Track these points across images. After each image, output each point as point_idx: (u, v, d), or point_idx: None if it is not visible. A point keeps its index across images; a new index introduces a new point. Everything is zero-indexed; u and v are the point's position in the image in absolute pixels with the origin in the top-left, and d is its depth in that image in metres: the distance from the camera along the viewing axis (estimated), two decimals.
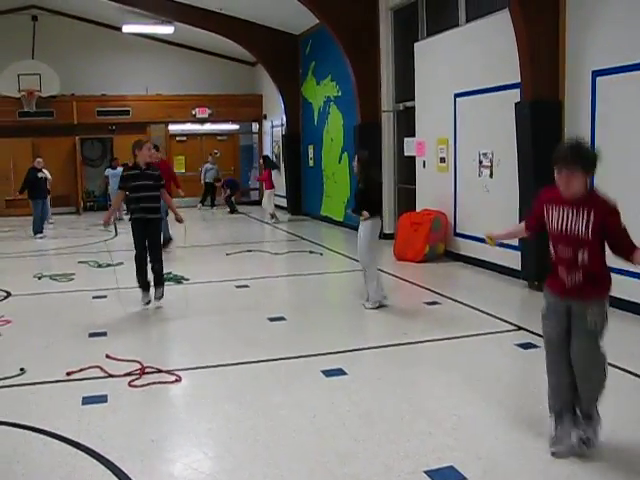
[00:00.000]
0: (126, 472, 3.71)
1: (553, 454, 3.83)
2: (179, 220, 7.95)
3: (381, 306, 7.50)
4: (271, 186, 16.81)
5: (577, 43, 7.81)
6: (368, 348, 6.12)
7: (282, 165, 19.03)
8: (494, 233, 4.47)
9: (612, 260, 3.81)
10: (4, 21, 19.21)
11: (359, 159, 7.79)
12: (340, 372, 5.39)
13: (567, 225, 3.71)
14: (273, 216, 16.81)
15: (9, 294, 8.52)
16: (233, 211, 19.53)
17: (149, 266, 7.73)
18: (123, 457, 3.90)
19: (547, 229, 3.88)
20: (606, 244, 3.73)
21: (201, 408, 4.78)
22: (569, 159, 3.64)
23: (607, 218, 3.65)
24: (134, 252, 7.69)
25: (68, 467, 3.82)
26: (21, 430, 4.34)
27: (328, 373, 5.36)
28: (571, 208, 3.70)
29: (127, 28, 18.15)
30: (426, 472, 3.69)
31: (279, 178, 19.14)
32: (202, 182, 20.30)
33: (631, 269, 6.72)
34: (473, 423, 4.37)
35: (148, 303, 7.71)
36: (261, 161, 17.75)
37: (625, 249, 3.69)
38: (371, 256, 7.61)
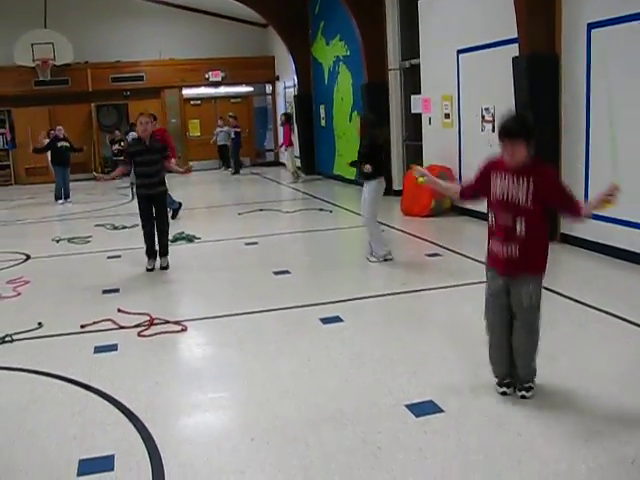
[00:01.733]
0: (131, 409, 4.09)
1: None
2: (187, 171, 8.17)
3: (386, 260, 7.76)
4: (290, 143, 17.00)
5: None
6: (366, 297, 6.40)
7: (295, 125, 19.19)
8: (427, 174, 4.38)
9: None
10: None
11: (363, 123, 7.94)
12: (337, 319, 5.70)
13: (508, 192, 3.84)
14: (294, 174, 16.97)
15: (28, 257, 8.92)
16: (237, 171, 19.78)
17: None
18: (129, 397, 4.27)
19: (489, 196, 3.99)
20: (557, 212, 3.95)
21: (204, 354, 5.16)
22: (513, 131, 3.80)
23: (549, 188, 3.80)
24: (141, 223, 7.96)
25: (80, 406, 4.20)
26: (38, 376, 4.73)
27: (326, 321, 5.68)
28: (513, 176, 3.83)
29: None
30: (406, 406, 4.00)
31: (293, 139, 19.36)
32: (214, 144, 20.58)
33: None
34: (458, 363, 4.66)
35: (152, 270, 7.88)
36: (283, 118, 17.74)
37: (573, 208, 3.84)
38: (372, 215, 7.83)
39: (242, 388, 4.43)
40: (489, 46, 9.57)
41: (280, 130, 18.91)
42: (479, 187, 4.11)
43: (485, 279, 4.15)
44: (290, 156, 17.18)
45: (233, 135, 19.95)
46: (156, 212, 7.85)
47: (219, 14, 21.08)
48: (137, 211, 8.00)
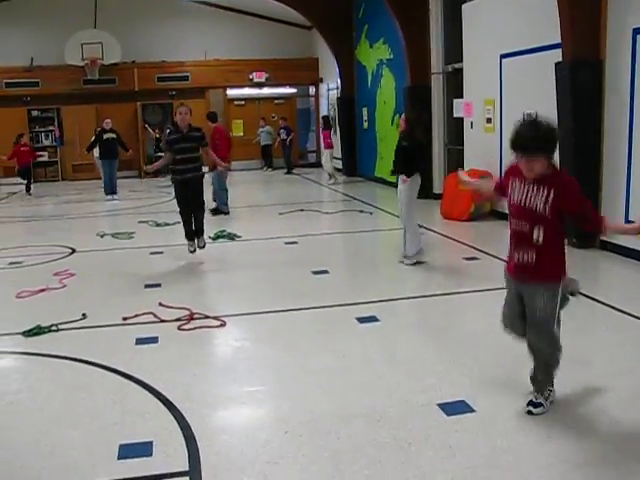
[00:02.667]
0: (170, 399, 4.22)
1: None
2: (225, 167, 8.63)
3: (418, 263, 7.78)
4: (330, 145, 17.16)
5: (618, 0, 7.85)
6: (403, 298, 6.47)
7: (337, 127, 19.32)
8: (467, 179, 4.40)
9: None
10: None
11: (407, 119, 8.01)
12: (373, 319, 5.77)
13: (526, 200, 3.74)
14: (332, 176, 17.10)
15: (74, 250, 9.18)
16: (289, 171, 19.99)
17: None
18: (168, 387, 4.41)
19: (508, 202, 3.92)
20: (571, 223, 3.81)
21: (241, 348, 5.28)
22: (529, 148, 3.62)
23: (569, 199, 3.68)
24: (178, 209, 8.27)
25: (121, 394, 4.36)
26: (83, 364, 4.91)
27: (362, 320, 5.75)
28: (532, 185, 3.72)
29: None
30: (439, 405, 4.06)
31: (335, 140, 19.56)
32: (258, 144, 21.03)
33: None
34: (491, 365, 4.70)
35: (194, 251, 8.26)
36: (322, 123, 18.00)
37: (592, 222, 3.78)
38: (410, 214, 7.90)
39: (277, 383, 4.53)
40: (532, 51, 9.54)
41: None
42: (501, 189, 4.08)
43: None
44: (329, 158, 17.30)
45: (284, 136, 20.22)
46: (193, 196, 8.13)
47: (264, 15, 21.27)
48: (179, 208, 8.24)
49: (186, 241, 8.34)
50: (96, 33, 19.33)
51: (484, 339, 5.25)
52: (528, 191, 3.76)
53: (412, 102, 13.29)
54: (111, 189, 15.32)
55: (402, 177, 7.78)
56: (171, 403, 4.17)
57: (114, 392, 4.40)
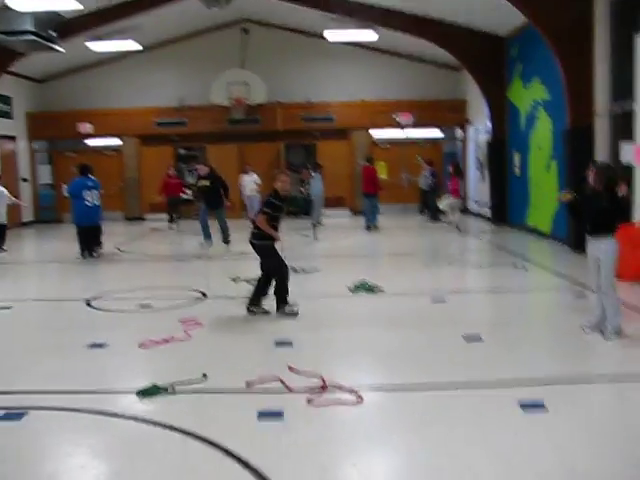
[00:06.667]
0: None
1: None
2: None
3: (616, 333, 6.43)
4: (458, 195, 16.21)
5: None
6: (582, 382, 5.30)
7: (486, 173, 18.26)
8: None
9: None
10: (217, 35, 20.40)
11: (600, 173, 6.62)
12: (540, 407, 4.70)
13: None
14: (458, 226, 16.03)
15: (205, 295, 8.68)
16: (435, 218, 18.74)
17: None
18: None
19: None
20: None
21: (381, 436, 4.36)
22: None
23: None
24: (283, 270, 7.70)
25: None
26: (196, 441, 4.22)
27: (525, 406, 4.70)
28: None
29: (330, 34, 17.92)
30: None
31: (483, 187, 18.52)
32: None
33: None
34: None
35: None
36: (451, 169, 17.07)
37: None
38: (612, 279, 6.66)
39: None
40: None
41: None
42: None
43: None
44: (454, 207, 16.27)
45: (430, 179, 19.25)
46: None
47: (410, 56, 20.66)
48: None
49: (288, 304, 7.67)
50: (242, 73, 19.52)
51: None
52: None
53: (572, 146, 12.10)
54: (222, 238, 14.04)
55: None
56: None
57: None
